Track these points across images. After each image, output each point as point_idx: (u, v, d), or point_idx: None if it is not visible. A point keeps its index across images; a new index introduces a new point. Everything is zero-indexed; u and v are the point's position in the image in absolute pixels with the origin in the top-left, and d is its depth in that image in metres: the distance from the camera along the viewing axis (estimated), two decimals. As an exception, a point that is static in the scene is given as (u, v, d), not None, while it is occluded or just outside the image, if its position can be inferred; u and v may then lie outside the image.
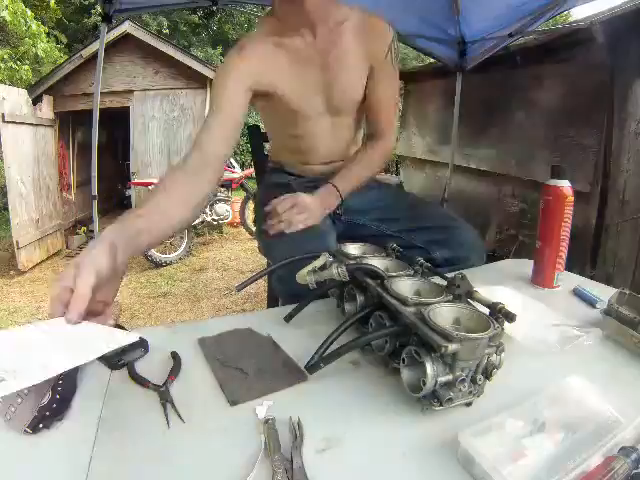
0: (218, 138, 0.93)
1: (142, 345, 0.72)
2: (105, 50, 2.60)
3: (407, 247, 0.91)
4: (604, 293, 1.02)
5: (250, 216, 5.01)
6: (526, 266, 1.14)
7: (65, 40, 10.08)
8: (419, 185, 5.89)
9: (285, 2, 0.97)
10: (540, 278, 1.03)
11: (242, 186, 5.29)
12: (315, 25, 0.99)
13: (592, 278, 1.19)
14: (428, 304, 0.63)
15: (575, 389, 0.59)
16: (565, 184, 0.98)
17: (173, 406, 0.59)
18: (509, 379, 0.67)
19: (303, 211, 1.03)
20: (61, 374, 0.61)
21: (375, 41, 1.04)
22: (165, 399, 0.60)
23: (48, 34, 7.80)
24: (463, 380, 0.56)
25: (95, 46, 5.12)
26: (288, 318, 0.82)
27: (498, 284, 1.09)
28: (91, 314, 0.55)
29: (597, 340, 0.80)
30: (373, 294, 0.71)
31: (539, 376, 0.68)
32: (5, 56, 6.82)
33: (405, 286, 0.71)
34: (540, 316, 0.90)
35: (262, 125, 1.38)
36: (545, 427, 0.52)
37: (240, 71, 0.97)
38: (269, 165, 1.37)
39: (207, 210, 4.98)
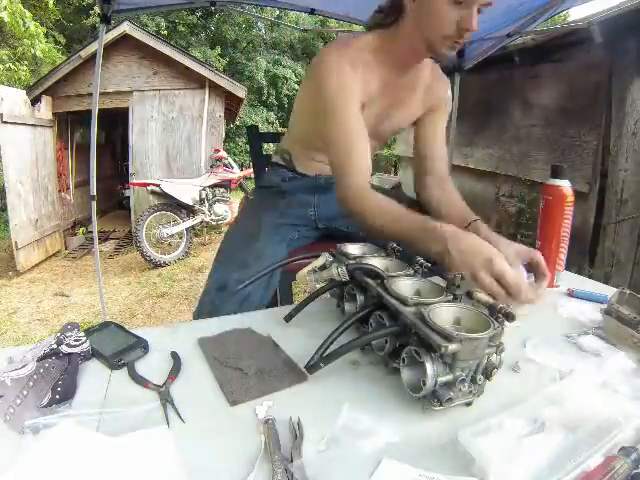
0: (369, 163, 1.01)
1: (142, 345, 0.72)
2: (104, 51, 2.59)
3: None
4: (602, 292, 1.03)
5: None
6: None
7: (64, 41, 10.06)
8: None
9: (415, 45, 0.99)
10: None
11: (240, 186, 5.29)
12: (409, 67, 1.06)
13: (590, 277, 1.20)
14: (428, 304, 0.63)
15: (575, 389, 0.59)
16: (565, 184, 0.98)
17: (173, 406, 0.59)
18: (509, 379, 0.67)
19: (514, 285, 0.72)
20: (61, 374, 0.61)
21: (438, 92, 1.14)
22: (165, 399, 0.60)
23: (47, 35, 7.78)
24: (463, 380, 0.56)
25: (94, 47, 5.11)
26: (288, 318, 0.82)
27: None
28: None
29: (597, 340, 0.80)
30: (373, 294, 0.71)
31: (539, 376, 0.68)
32: (4, 57, 6.81)
33: (405, 286, 0.71)
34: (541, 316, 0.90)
35: (259, 124, 1.38)
36: (545, 427, 0.52)
37: (356, 91, 0.99)
38: (271, 161, 1.38)
39: (206, 210, 4.98)
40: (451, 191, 1.14)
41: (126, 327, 0.78)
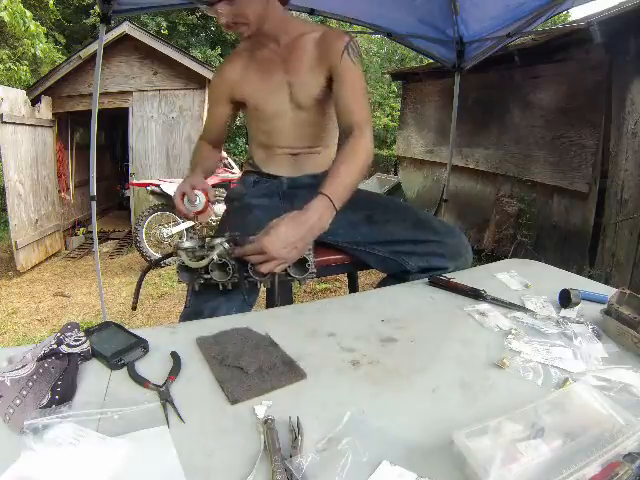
0: (214, 137, 1.38)
1: (142, 345, 0.72)
2: (104, 51, 2.59)
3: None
4: (602, 292, 1.03)
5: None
6: (529, 266, 1.15)
7: (64, 41, 10.05)
8: (418, 185, 5.90)
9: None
10: None
11: (241, 186, 5.29)
12: (278, 37, 1.17)
13: (590, 277, 1.20)
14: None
15: (578, 395, 0.58)
16: None
17: (173, 406, 0.59)
18: (512, 383, 0.67)
19: (271, 257, 0.89)
20: (61, 374, 0.61)
21: (330, 45, 1.15)
22: (165, 399, 0.60)
23: (47, 35, 7.77)
24: None
25: (94, 47, 5.11)
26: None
27: (501, 284, 1.09)
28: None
29: (597, 340, 0.80)
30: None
31: (541, 380, 0.68)
32: (4, 57, 6.81)
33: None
34: (542, 317, 0.90)
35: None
36: (544, 432, 0.51)
37: (219, 87, 1.28)
38: (247, 171, 1.41)
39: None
40: (342, 149, 1.11)
41: (126, 327, 0.78)
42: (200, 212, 1.12)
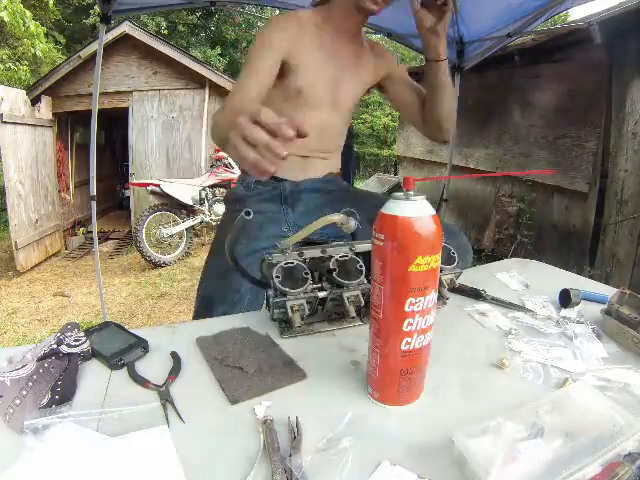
0: (253, 99, 1.00)
1: (142, 345, 0.72)
2: (104, 51, 2.59)
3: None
4: (602, 292, 1.03)
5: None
6: (529, 266, 1.14)
7: (64, 41, 10.06)
8: (418, 185, 5.89)
9: (348, 8, 1.12)
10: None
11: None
12: (349, 33, 1.16)
13: (590, 277, 1.20)
14: None
15: (578, 395, 0.58)
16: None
17: (173, 406, 0.59)
18: (512, 383, 0.67)
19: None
20: (61, 374, 0.61)
21: (384, 55, 1.25)
22: (165, 399, 0.60)
23: (47, 35, 7.77)
24: None
25: (94, 47, 5.12)
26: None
27: (501, 284, 1.10)
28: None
29: (597, 340, 0.80)
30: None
31: (541, 380, 0.68)
32: (4, 57, 6.81)
33: None
34: (542, 317, 0.90)
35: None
36: (544, 433, 0.51)
37: (278, 40, 1.05)
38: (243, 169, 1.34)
39: (206, 210, 4.98)
40: None
41: (126, 327, 0.78)
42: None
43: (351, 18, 1.15)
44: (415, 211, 0.53)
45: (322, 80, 1.13)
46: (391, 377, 0.58)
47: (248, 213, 0.74)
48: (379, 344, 0.58)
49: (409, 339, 0.56)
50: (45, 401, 0.57)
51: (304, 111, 1.13)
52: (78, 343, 0.67)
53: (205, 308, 1.09)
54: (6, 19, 5.31)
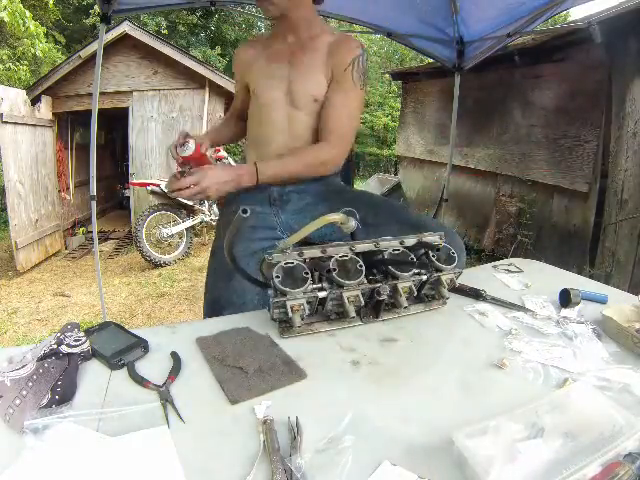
0: (237, 110, 1.42)
1: (142, 345, 0.72)
2: (104, 50, 2.59)
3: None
4: (602, 292, 1.03)
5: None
6: (529, 265, 1.14)
7: (64, 40, 10.04)
8: (418, 185, 5.90)
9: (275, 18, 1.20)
10: None
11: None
12: (299, 30, 1.20)
13: (590, 277, 1.19)
14: None
15: (578, 395, 0.58)
16: None
17: (173, 406, 0.59)
18: (512, 383, 0.67)
19: (199, 191, 1.05)
20: (61, 374, 0.61)
21: (339, 53, 1.17)
22: (165, 399, 0.60)
23: (47, 34, 7.77)
24: None
25: (94, 46, 5.11)
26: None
27: (501, 284, 1.09)
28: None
29: (597, 340, 0.80)
30: None
31: (541, 380, 0.68)
32: (4, 57, 6.80)
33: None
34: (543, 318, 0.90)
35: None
36: (544, 433, 0.51)
37: (235, 67, 1.34)
38: None
39: (206, 210, 4.98)
40: (304, 147, 1.24)
41: (126, 327, 0.78)
42: (190, 158, 1.10)
43: (280, 24, 1.22)
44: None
45: (274, 82, 1.21)
46: None
47: (245, 211, 0.74)
48: None
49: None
50: (45, 401, 0.57)
51: (264, 111, 1.24)
52: (78, 343, 0.67)
53: (213, 311, 1.09)
54: (6, 19, 5.30)
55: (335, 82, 1.18)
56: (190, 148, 1.10)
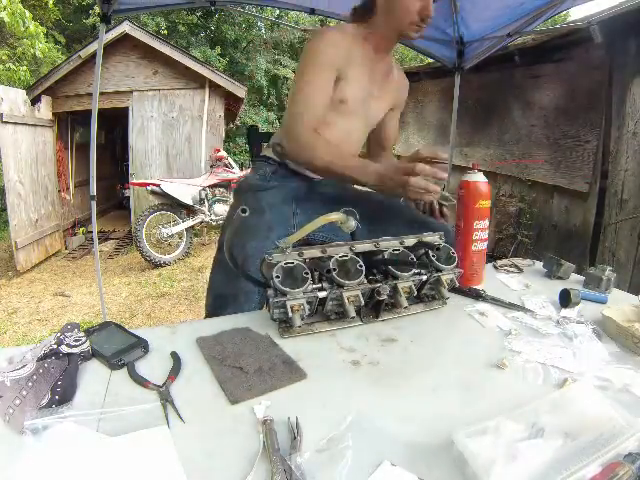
0: (320, 113, 1.11)
1: (142, 345, 0.72)
2: (104, 50, 2.59)
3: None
4: (602, 292, 1.03)
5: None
6: (529, 265, 1.14)
7: (63, 40, 10.04)
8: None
9: (389, 31, 1.18)
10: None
11: (241, 186, 5.27)
12: (385, 52, 1.23)
13: (591, 277, 1.19)
14: None
15: (578, 395, 0.58)
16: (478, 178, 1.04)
17: (173, 406, 0.59)
18: (512, 383, 0.67)
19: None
20: (60, 374, 0.61)
21: (403, 88, 1.37)
22: (165, 399, 0.60)
23: (47, 34, 7.76)
24: None
25: (93, 46, 5.11)
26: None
27: (501, 284, 1.09)
28: None
29: (597, 340, 0.80)
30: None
31: (541, 380, 0.68)
32: (3, 57, 6.80)
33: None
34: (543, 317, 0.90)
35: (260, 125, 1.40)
36: (544, 433, 0.51)
37: (333, 56, 1.11)
38: (261, 155, 1.32)
39: (206, 210, 4.98)
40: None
41: (126, 327, 0.78)
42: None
43: (389, 40, 1.21)
44: (477, 178, 1.04)
45: (361, 93, 1.19)
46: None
47: (244, 211, 0.74)
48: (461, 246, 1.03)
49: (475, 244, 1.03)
50: (45, 401, 0.57)
51: (345, 119, 1.19)
52: (78, 343, 0.67)
53: (216, 306, 1.10)
54: (6, 19, 5.30)
55: (396, 110, 1.38)
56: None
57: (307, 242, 1.25)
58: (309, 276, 0.78)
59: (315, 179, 1.24)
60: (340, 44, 1.11)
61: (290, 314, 0.75)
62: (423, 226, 1.18)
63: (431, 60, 4.00)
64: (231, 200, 5.35)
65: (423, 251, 0.93)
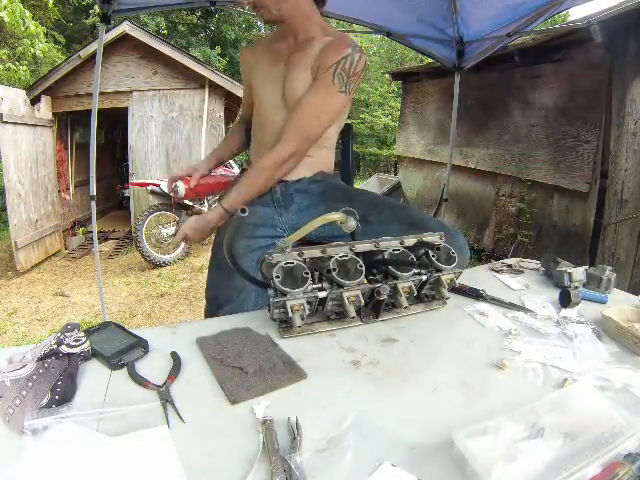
0: (246, 113, 1.43)
1: (142, 345, 0.72)
2: (103, 50, 2.59)
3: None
4: (602, 292, 1.03)
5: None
6: (530, 265, 1.14)
7: (63, 40, 10.04)
8: (418, 185, 5.90)
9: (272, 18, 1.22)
10: None
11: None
12: (297, 33, 1.20)
13: (591, 277, 1.19)
14: None
15: (578, 395, 0.58)
16: None
17: (173, 406, 0.59)
18: (512, 383, 0.67)
19: (187, 238, 1.25)
20: (60, 374, 0.61)
21: (326, 54, 1.13)
22: (165, 399, 0.60)
23: (46, 34, 7.76)
24: None
25: (93, 46, 5.11)
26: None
27: (501, 284, 1.09)
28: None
29: (597, 340, 0.80)
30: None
31: (541, 380, 0.68)
32: (3, 57, 6.80)
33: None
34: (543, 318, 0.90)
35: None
36: (544, 433, 0.51)
37: (241, 67, 1.37)
38: (242, 169, 1.45)
39: (206, 210, 4.98)
40: (261, 159, 1.24)
41: (126, 327, 0.78)
42: (185, 198, 1.23)
43: (281, 26, 1.25)
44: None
45: (268, 83, 1.23)
46: None
47: (243, 210, 0.74)
48: None
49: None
50: (45, 401, 0.57)
51: (264, 111, 1.26)
52: (78, 343, 0.67)
53: (214, 307, 1.12)
54: (6, 19, 5.30)
55: (314, 82, 1.15)
56: (180, 192, 1.18)
57: (307, 242, 1.25)
58: (309, 276, 0.78)
59: (289, 180, 1.23)
60: (245, 59, 1.33)
61: (290, 314, 0.75)
62: (423, 226, 1.18)
63: (431, 60, 4.01)
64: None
65: (423, 251, 0.93)
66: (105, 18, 2.29)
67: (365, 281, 0.83)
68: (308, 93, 1.15)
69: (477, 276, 1.11)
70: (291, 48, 1.22)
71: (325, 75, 1.13)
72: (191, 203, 4.83)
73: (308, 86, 1.16)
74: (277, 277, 0.76)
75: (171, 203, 4.78)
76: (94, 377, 0.65)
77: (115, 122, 7.22)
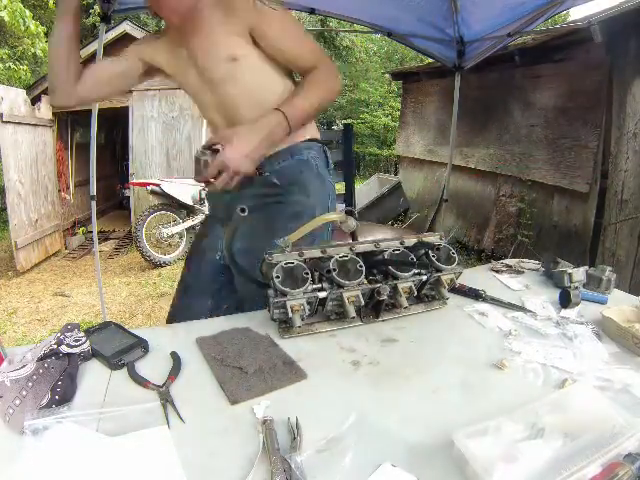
0: (95, 67, 1.24)
1: (142, 345, 0.72)
2: (104, 50, 2.59)
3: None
4: (602, 293, 1.03)
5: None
6: (530, 265, 1.14)
7: (63, 40, 10.03)
8: (418, 185, 5.90)
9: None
10: None
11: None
12: (178, 17, 1.07)
13: (591, 278, 1.19)
14: None
15: (578, 395, 0.58)
16: None
17: (173, 406, 0.59)
18: (512, 383, 0.67)
19: (230, 169, 0.93)
20: (60, 374, 0.61)
21: (234, 1, 1.03)
22: (165, 399, 0.60)
23: (47, 34, 7.77)
24: None
25: (94, 46, 5.11)
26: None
27: (501, 284, 1.09)
28: None
29: (597, 340, 0.80)
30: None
31: (541, 380, 0.68)
32: (4, 56, 6.80)
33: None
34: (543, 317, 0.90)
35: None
36: (544, 433, 0.51)
37: (135, 46, 1.21)
38: None
39: (206, 210, 4.98)
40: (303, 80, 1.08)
41: (126, 327, 0.78)
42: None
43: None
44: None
45: (182, 68, 1.12)
46: None
47: (243, 210, 0.74)
48: None
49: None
50: (45, 401, 0.57)
51: (195, 99, 1.18)
52: (78, 343, 0.67)
53: (182, 297, 1.17)
54: (6, 18, 5.30)
55: (259, 29, 1.01)
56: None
57: None
58: (309, 276, 0.78)
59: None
60: (148, 38, 1.26)
61: (290, 314, 0.75)
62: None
63: (431, 60, 4.01)
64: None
65: (423, 251, 0.93)
66: (105, 18, 2.29)
67: (365, 281, 0.83)
68: (274, 35, 1.03)
69: (477, 276, 1.11)
70: (181, 29, 1.08)
71: (259, 13, 1.01)
72: (191, 203, 4.82)
73: (230, 41, 1.04)
74: (277, 277, 0.76)
75: (171, 203, 4.78)
76: (94, 377, 0.65)
77: (115, 122, 7.21)
